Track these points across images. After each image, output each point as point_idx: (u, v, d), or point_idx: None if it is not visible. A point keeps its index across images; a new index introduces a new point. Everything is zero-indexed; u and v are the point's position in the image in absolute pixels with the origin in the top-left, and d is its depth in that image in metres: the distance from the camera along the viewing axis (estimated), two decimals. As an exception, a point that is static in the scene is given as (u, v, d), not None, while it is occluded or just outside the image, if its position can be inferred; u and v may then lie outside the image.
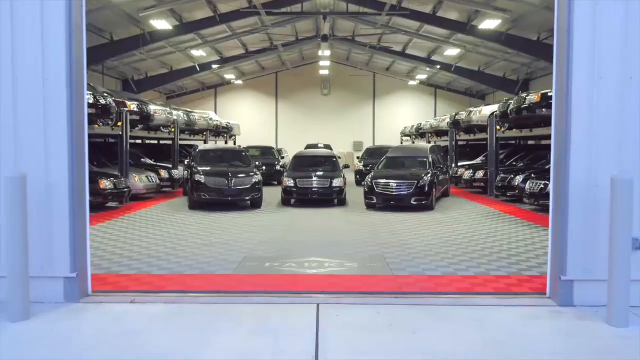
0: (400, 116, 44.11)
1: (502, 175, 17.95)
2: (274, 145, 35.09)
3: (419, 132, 34.51)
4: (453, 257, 8.98)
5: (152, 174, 18.74)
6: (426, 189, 15.44)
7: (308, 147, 30.02)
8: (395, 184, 15.44)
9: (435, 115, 41.16)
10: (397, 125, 42.87)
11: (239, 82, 43.19)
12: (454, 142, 25.13)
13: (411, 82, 43.12)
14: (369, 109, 45.04)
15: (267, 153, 27.64)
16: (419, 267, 8.22)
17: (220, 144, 33.20)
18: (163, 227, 12.32)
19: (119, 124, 16.68)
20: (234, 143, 36.02)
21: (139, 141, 28.01)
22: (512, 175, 17.31)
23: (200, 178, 15.46)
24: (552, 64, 6.29)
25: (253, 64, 40.42)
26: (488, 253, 9.30)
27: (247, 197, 15.72)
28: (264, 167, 25.63)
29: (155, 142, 27.23)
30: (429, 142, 32.37)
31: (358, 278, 7.54)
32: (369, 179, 15.97)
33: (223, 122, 31.67)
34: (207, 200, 15.49)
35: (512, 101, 16.81)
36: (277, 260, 8.71)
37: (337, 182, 16.64)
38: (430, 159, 17.11)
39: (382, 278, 7.53)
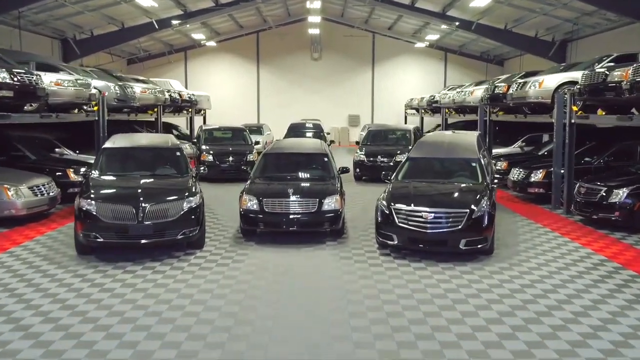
0: (404, 85, 38.00)
1: (588, 185, 11.42)
2: (253, 125, 28.20)
3: (432, 107, 27.71)
4: None
5: (45, 182, 12.05)
6: (485, 222, 8.85)
7: (292, 128, 23.03)
8: (432, 216, 8.82)
9: (445, 85, 34.35)
10: (400, 97, 36.91)
11: (212, 43, 35.89)
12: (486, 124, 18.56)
13: (418, 45, 36.11)
14: (367, 76, 38.37)
15: (237, 137, 20.81)
16: None
17: (179, 126, 26.52)
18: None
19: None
20: (204, 120, 29.29)
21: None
22: (606, 188, 10.89)
23: (90, 206, 8.74)
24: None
25: (228, 22, 33.16)
26: None
27: (177, 236, 8.99)
28: (231, 159, 19.05)
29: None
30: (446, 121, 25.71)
31: None
32: (384, 202, 9.32)
33: (185, 93, 24.65)
34: (102, 244, 8.83)
35: (623, 67, 10.09)
36: None
37: (330, 204, 10.01)
38: (484, 162, 10.49)
39: None
